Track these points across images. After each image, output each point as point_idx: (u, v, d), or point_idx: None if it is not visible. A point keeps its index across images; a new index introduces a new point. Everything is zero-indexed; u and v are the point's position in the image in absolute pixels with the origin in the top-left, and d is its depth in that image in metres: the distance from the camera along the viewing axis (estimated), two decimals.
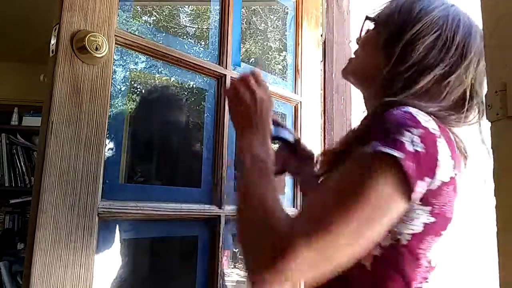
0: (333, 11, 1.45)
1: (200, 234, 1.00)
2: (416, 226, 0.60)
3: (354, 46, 0.81)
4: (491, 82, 0.50)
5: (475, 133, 0.71)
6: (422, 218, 0.60)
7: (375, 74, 0.71)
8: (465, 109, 0.68)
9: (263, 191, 0.61)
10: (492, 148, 0.50)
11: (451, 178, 0.60)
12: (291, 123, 1.30)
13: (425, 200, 0.59)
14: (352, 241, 0.53)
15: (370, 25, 0.76)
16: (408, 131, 0.57)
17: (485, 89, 0.59)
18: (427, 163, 0.57)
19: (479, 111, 0.69)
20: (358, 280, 0.62)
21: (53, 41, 0.75)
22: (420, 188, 0.56)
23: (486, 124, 0.58)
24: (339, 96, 1.41)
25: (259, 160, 0.66)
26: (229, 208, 1.04)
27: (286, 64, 1.38)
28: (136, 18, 0.96)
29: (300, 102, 1.30)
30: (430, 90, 0.66)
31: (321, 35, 1.42)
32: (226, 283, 1.13)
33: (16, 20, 2.40)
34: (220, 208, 1.01)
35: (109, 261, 0.82)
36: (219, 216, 1.00)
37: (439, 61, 0.66)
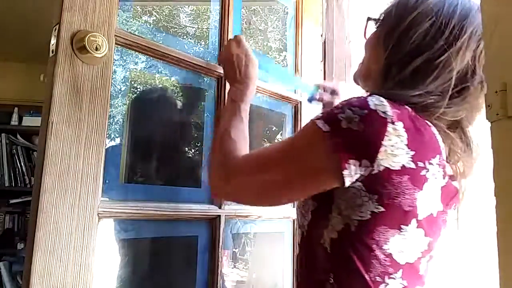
0: (333, 11, 1.45)
1: (200, 234, 1.00)
2: (363, 213, 0.60)
3: (354, 46, 0.81)
4: (491, 82, 0.50)
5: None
6: (369, 206, 0.60)
7: (376, 70, 0.71)
8: (456, 91, 0.65)
9: (227, 127, 0.80)
10: (492, 148, 0.50)
11: (404, 167, 0.58)
12: (291, 123, 1.30)
13: (370, 187, 0.59)
14: (271, 182, 0.66)
15: (373, 27, 0.76)
16: (350, 110, 0.59)
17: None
18: (364, 143, 0.58)
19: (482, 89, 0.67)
20: (322, 260, 0.66)
21: (53, 41, 0.75)
22: (354, 167, 0.58)
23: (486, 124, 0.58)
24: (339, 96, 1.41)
25: (233, 102, 0.85)
26: (229, 208, 1.04)
27: (286, 64, 1.38)
28: (136, 18, 0.96)
29: (300, 102, 1.30)
30: (417, 75, 0.65)
31: (321, 35, 1.42)
32: (226, 283, 1.13)
33: (16, 20, 2.40)
34: (220, 208, 1.01)
35: (109, 261, 0.82)
36: (219, 216, 1.00)
37: (431, 45, 0.65)
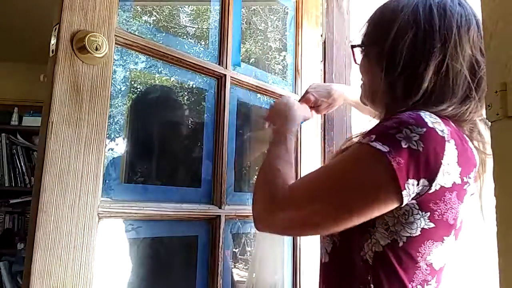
0: (333, 11, 1.45)
1: (200, 234, 1.00)
2: (413, 230, 0.61)
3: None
4: (491, 82, 0.50)
5: None
6: (420, 223, 0.60)
7: (380, 91, 0.71)
8: (475, 87, 0.65)
9: (274, 158, 0.78)
10: (492, 148, 0.50)
11: (454, 184, 0.59)
12: None
13: (424, 205, 0.60)
14: (323, 213, 0.62)
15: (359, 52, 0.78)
16: (408, 128, 0.58)
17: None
18: (424, 163, 0.57)
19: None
20: (361, 271, 0.65)
21: (53, 41, 0.75)
22: (412, 186, 0.57)
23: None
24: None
25: (278, 133, 0.85)
26: (229, 209, 1.04)
27: (286, 64, 1.38)
28: (136, 18, 0.95)
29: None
30: (436, 87, 0.65)
31: (321, 35, 1.42)
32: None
33: (16, 20, 2.40)
34: (220, 208, 1.01)
35: (109, 261, 0.82)
36: (219, 216, 1.00)
37: (428, 52, 0.65)
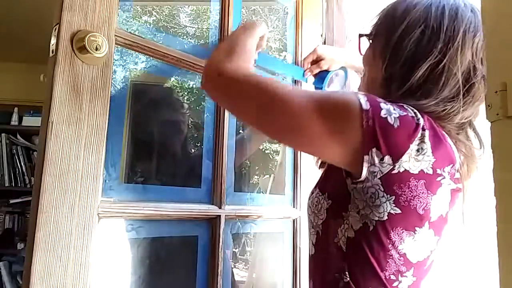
0: (333, 11, 1.45)
1: (200, 234, 1.00)
2: (381, 213, 0.62)
3: (354, 47, 0.82)
4: (491, 82, 0.50)
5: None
6: (386, 206, 0.62)
7: (378, 82, 0.72)
8: (464, 92, 0.67)
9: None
10: (492, 148, 0.50)
11: (422, 172, 0.61)
12: None
13: (388, 187, 0.61)
14: (258, 111, 0.65)
15: (366, 42, 0.79)
16: (392, 107, 0.61)
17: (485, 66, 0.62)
18: (392, 140, 0.59)
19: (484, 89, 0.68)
20: (336, 259, 0.66)
21: (53, 41, 0.75)
22: (376, 157, 0.59)
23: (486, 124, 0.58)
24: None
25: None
26: (229, 208, 1.04)
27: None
28: (136, 18, 0.96)
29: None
30: (426, 83, 0.67)
31: (321, 35, 1.42)
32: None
33: (16, 20, 2.40)
34: (220, 208, 1.01)
35: (108, 261, 0.82)
36: (219, 216, 1.00)
37: (429, 50, 0.66)
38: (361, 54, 0.80)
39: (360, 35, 0.79)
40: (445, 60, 0.66)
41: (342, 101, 0.62)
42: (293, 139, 0.67)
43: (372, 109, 0.60)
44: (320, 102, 0.62)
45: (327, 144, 0.62)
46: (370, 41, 0.77)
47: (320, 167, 0.83)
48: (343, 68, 1.16)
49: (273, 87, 0.64)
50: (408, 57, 0.68)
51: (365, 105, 0.59)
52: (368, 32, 0.77)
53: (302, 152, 1.27)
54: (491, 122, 0.50)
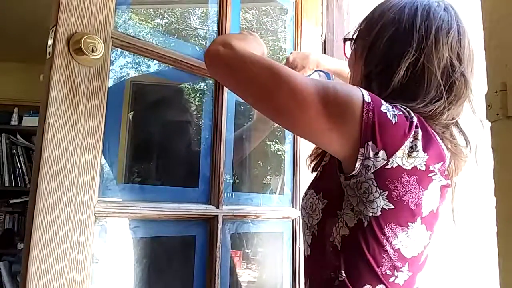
0: (333, 11, 1.45)
1: (197, 234, 0.99)
2: (375, 209, 0.63)
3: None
4: (491, 82, 0.50)
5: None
6: (379, 201, 0.63)
7: (359, 84, 0.73)
8: (446, 90, 0.68)
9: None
10: (492, 148, 0.49)
11: (415, 168, 0.63)
12: None
13: (381, 182, 0.62)
14: (260, 88, 0.65)
15: (349, 47, 0.82)
16: (390, 105, 0.64)
17: (465, 61, 0.68)
18: (389, 135, 0.61)
19: (465, 86, 0.69)
20: (331, 258, 0.67)
21: (49, 43, 0.75)
22: (371, 151, 0.60)
23: (486, 124, 0.58)
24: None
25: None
26: (228, 208, 1.03)
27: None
28: (133, 20, 0.95)
29: None
30: (410, 82, 0.68)
31: (321, 35, 1.42)
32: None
33: (16, 20, 2.40)
34: (218, 208, 1.00)
35: (105, 261, 0.82)
36: (217, 216, 1.00)
37: (404, 49, 0.68)
38: (346, 58, 0.83)
39: (345, 40, 0.82)
40: (422, 58, 0.67)
41: (345, 90, 0.64)
42: (292, 117, 0.65)
43: (374, 102, 0.62)
44: (324, 88, 0.63)
45: (324, 130, 0.63)
46: (354, 45, 0.80)
47: (312, 170, 0.84)
48: (318, 71, 1.15)
49: (281, 66, 0.66)
50: (382, 56, 0.70)
51: (367, 98, 0.62)
52: (350, 36, 0.80)
53: (302, 152, 1.27)
54: (491, 122, 0.49)
